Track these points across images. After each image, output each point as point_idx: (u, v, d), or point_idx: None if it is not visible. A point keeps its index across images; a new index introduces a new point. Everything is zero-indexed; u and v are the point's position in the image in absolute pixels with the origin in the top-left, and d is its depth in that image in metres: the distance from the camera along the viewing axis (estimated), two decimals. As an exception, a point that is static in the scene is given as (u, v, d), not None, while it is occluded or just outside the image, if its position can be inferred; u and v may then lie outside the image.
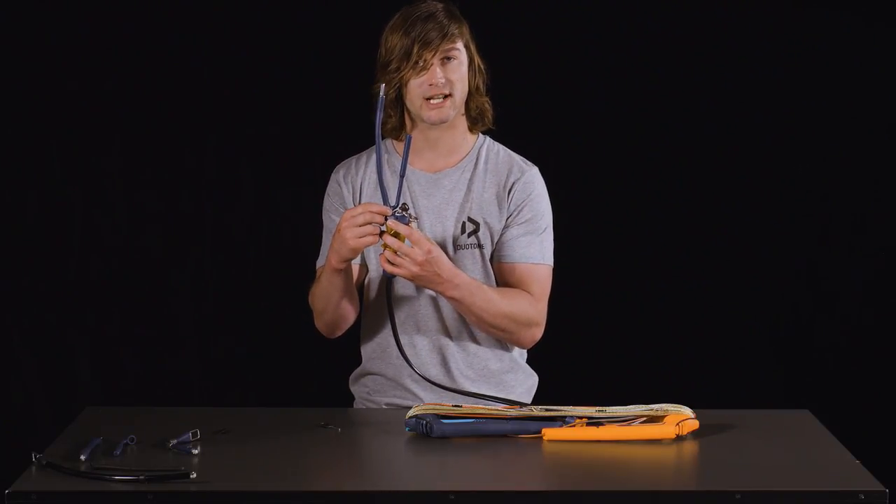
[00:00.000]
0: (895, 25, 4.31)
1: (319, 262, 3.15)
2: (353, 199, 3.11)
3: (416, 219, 2.92)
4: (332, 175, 3.16)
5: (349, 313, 3.09)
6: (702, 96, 4.33)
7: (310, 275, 3.18)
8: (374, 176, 3.09)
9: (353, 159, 3.16)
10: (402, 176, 2.89)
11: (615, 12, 4.31)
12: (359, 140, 3.21)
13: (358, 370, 3.19)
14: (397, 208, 2.86)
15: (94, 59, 4.27)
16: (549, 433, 2.70)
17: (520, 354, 3.16)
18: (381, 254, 2.90)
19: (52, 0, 4.25)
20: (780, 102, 4.35)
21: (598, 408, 2.75)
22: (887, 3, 4.30)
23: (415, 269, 2.88)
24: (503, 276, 3.09)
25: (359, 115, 3.53)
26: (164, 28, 4.28)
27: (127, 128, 4.32)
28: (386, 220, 2.85)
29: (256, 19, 4.31)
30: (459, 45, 3.01)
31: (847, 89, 4.34)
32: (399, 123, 3.08)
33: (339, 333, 3.14)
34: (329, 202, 3.15)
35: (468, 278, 2.97)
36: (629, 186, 4.39)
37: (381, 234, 2.86)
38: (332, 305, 3.05)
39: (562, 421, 2.72)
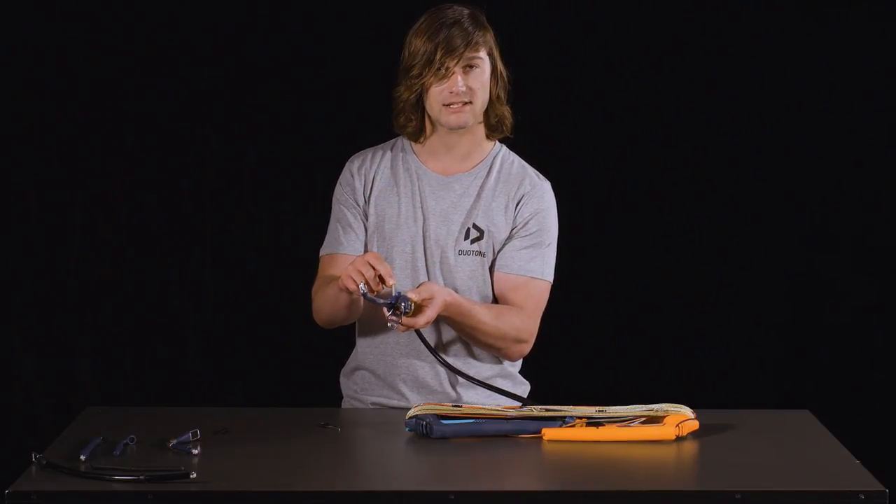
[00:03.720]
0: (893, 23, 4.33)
1: (324, 251, 3.14)
2: (364, 191, 3.11)
3: (413, 303, 2.88)
4: (347, 165, 3.16)
5: (348, 319, 3.09)
6: (702, 102, 4.34)
7: (310, 272, 3.17)
8: (388, 171, 3.11)
9: (368, 151, 3.16)
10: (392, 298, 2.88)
11: (634, 25, 4.32)
12: (360, 139, 3.21)
13: (351, 363, 3.18)
14: (391, 313, 2.85)
15: (95, 60, 4.27)
16: (549, 433, 2.70)
17: (511, 364, 3.16)
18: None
19: (53, 0, 4.25)
20: (778, 105, 4.35)
21: (598, 408, 2.75)
22: (886, 4, 4.31)
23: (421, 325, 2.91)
24: (501, 287, 3.08)
25: (360, 115, 3.54)
26: (165, 28, 4.28)
27: (127, 128, 4.32)
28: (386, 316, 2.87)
29: (257, 18, 4.31)
30: (482, 53, 3.00)
31: (845, 90, 4.34)
32: (419, 126, 3.07)
33: (334, 328, 3.14)
34: (340, 191, 3.14)
35: (459, 300, 2.97)
36: (629, 188, 4.39)
37: (392, 306, 2.86)
38: (328, 309, 3.05)
39: (562, 421, 2.72)
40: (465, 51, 2.96)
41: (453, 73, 2.97)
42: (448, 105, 2.99)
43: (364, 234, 3.10)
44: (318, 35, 4.30)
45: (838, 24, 4.33)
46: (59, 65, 4.27)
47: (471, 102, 3.00)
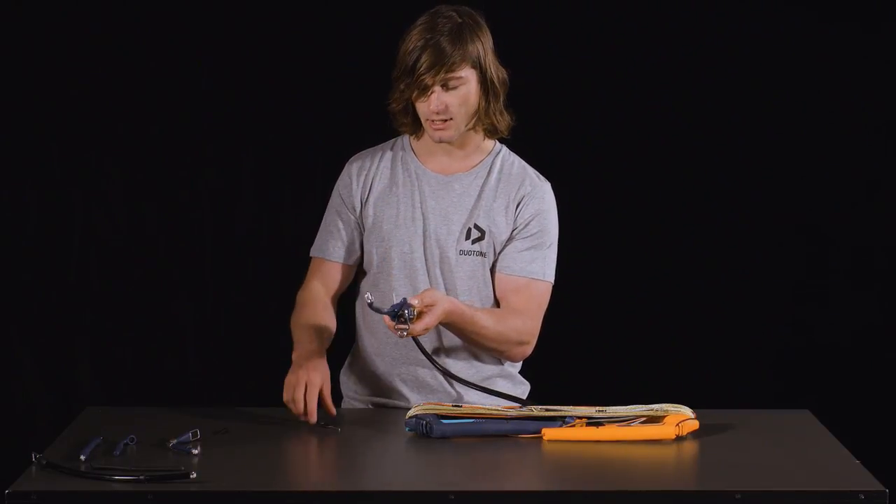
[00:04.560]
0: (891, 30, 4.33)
1: (314, 252, 3.16)
2: (362, 194, 3.11)
3: (415, 310, 2.86)
4: (346, 166, 3.16)
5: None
6: (703, 103, 4.34)
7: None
8: (387, 171, 3.11)
9: (368, 152, 3.16)
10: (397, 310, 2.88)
11: (634, 26, 4.33)
12: (360, 139, 3.21)
13: (351, 363, 3.19)
14: (397, 322, 2.84)
15: (95, 60, 4.27)
16: (549, 433, 2.70)
17: (511, 364, 3.16)
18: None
19: (53, 1, 4.25)
20: (780, 106, 4.36)
21: (598, 408, 2.76)
22: (884, 9, 4.31)
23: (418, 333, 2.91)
24: (502, 288, 3.08)
25: (360, 114, 3.53)
26: (164, 28, 4.28)
27: (127, 128, 4.32)
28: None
29: (257, 18, 4.31)
30: (463, 71, 2.97)
31: (844, 92, 4.35)
32: (414, 127, 3.07)
33: None
34: (335, 195, 3.15)
35: (461, 307, 2.96)
36: (629, 189, 4.39)
37: (395, 315, 2.85)
38: None
39: (562, 421, 2.72)
40: (440, 72, 2.94)
41: (432, 91, 2.97)
42: (431, 120, 3.00)
43: (349, 240, 3.11)
44: (317, 34, 4.30)
45: (838, 24, 4.33)
46: (59, 65, 4.27)
47: (452, 119, 3.00)
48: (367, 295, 2.91)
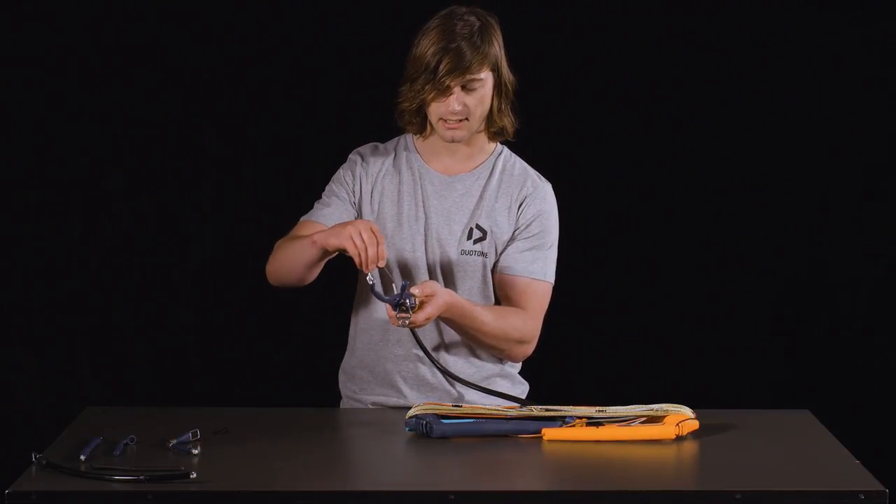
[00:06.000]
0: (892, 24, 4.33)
1: (304, 217, 3.14)
2: (363, 181, 3.11)
3: (417, 299, 2.88)
4: (351, 155, 3.15)
5: (298, 283, 3.07)
6: (702, 104, 4.34)
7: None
8: (391, 168, 3.12)
9: (372, 147, 3.17)
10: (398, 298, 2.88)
11: (634, 27, 4.33)
12: (361, 140, 3.21)
13: (350, 362, 3.18)
14: (398, 310, 2.85)
15: (94, 59, 4.27)
16: (549, 433, 2.70)
17: (511, 364, 3.17)
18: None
19: (53, 1, 4.25)
20: (779, 105, 4.36)
21: (598, 408, 2.76)
22: (884, 8, 4.31)
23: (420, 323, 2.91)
24: (503, 288, 3.09)
25: (362, 115, 3.53)
26: (164, 27, 4.28)
27: (127, 128, 4.32)
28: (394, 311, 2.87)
29: (258, 17, 4.31)
30: (483, 73, 2.98)
31: (844, 89, 4.35)
32: (421, 126, 3.08)
33: (283, 288, 3.14)
34: (342, 171, 3.14)
35: (461, 301, 2.97)
36: (629, 187, 4.39)
37: (397, 304, 2.85)
38: (287, 267, 3.05)
39: (562, 421, 2.73)
40: (463, 75, 2.95)
41: (451, 93, 2.97)
42: (444, 120, 3.00)
43: (345, 214, 3.09)
44: (318, 35, 4.30)
45: (838, 23, 4.33)
46: (60, 65, 4.27)
47: (467, 119, 3.01)
48: (369, 276, 2.89)
